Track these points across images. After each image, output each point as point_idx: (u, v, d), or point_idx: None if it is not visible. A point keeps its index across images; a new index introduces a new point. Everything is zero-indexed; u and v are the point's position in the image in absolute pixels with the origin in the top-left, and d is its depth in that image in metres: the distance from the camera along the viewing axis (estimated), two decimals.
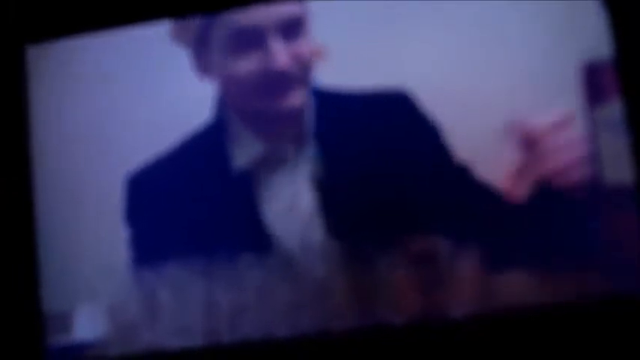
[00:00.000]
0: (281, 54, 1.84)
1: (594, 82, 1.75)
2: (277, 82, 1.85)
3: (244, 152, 1.88)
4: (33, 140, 1.99)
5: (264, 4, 1.88)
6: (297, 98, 1.85)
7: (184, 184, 1.90)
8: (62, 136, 1.99)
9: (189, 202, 1.89)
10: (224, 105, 1.91)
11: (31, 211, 1.96)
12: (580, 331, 1.69)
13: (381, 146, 1.83)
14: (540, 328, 1.71)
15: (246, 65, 1.86)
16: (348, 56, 1.85)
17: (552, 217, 1.73)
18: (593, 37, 1.77)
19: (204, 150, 1.90)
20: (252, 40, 1.86)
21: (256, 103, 1.87)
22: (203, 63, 1.92)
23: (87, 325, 1.89)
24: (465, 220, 1.76)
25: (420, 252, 1.77)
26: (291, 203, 1.84)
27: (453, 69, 1.81)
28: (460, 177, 1.77)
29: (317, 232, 1.81)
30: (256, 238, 1.84)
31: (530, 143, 1.74)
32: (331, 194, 1.83)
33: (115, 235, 1.91)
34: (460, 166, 1.78)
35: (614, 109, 1.74)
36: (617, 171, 1.72)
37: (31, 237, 1.94)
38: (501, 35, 1.81)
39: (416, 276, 1.77)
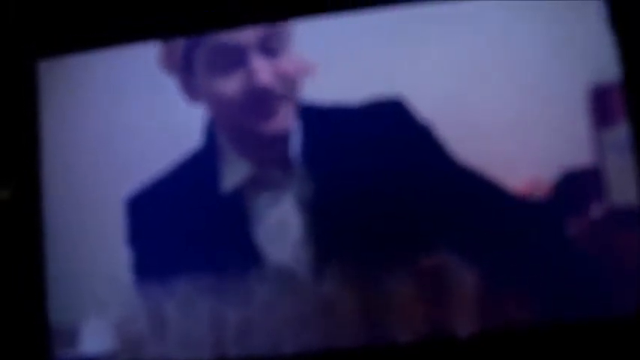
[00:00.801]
0: (263, 71, 1.84)
1: (601, 105, 1.76)
2: (261, 101, 1.85)
3: (233, 173, 1.88)
4: (43, 154, 2.00)
5: (251, 24, 1.89)
6: (283, 120, 1.85)
7: (181, 205, 1.91)
8: (72, 150, 2.00)
9: (187, 223, 1.90)
10: (214, 126, 1.91)
11: (40, 224, 1.96)
12: (586, 349, 1.69)
13: (375, 158, 1.82)
14: (546, 347, 1.72)
15: (230, 85, 1.86)
16: (338, 71, 1.85)
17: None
18: (601, 59, 1.79)
19: (198, 171, 1.91)
20: (233, 59, 1.86)
21: (243, 123, 1.87)
22: (190, 87, 1.92)
23: (94, 339, 1.89)
24: (465, 233, 1.76)
25: (425, 269, 1.77)
26: (281, 224, 1.84)
27: (457, 86, 1.81)
28: (465, 186, 1.77)
29: (308, 253, 1.82)
30: (253, 257, 1.84)
31: None
32: (321, 213, 1.83)
33: (123, 250, 1.92)
34: (465, 171, 1.76)
35: (621, 131, 1.75)
36: (623, 192, 1.73)
37: (39, 250, 1.95)
38: (507, 54, 1.82)
39: (421, 293, 1.77)
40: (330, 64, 1.86)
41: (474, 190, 1.76)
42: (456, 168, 1.76)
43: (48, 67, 2.04)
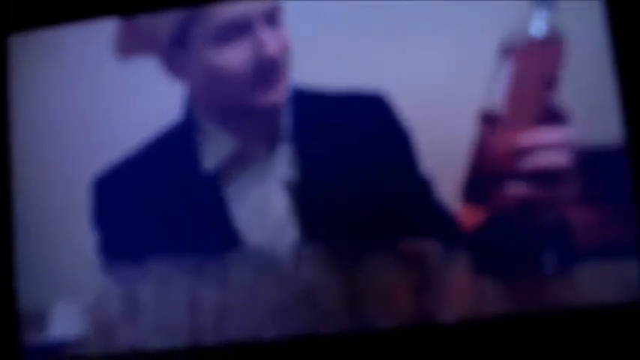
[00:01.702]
0: (271, 42, 1.82)
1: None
2: (266, 71, 1.82)
3: (215, 151, 1.85)
4: (12, 133, 1.94)
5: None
6: (280, 92, 1.83)
7: (155, 185, 1.87)
8: (42, 129, 1.93)
9: (162, 203, 1.85)
10: (194, 104, 1.87)
11: (8, 205, 1.91)
12: (572, 338, 1.67)
13: (354, 148, 1.80)
14: (531, 335, 1.69)
15: (234, 55, 1.82)
16: (321, 54, 1.83)
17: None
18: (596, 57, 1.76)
19: (174, 149, 1.87)
20: (239, 30, 1.83)
21: (237, 96, 1.83)
22: (175, 63, 1.88)
23: (64, 323, 1.84)
24: (444, 224, 1.75)
25: (409, 254, 1.74)
26: (263, 204, 1.81)
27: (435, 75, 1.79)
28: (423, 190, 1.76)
29: (290, 235, 1.78)
30: (231, 239, 1.80)
31: None
32: (306, 196, 1.80)
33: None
34: (423, 179, 1.76)
35: None
36: None
37: (7, 232, 1.89)
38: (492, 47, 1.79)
39: (406, 278, 1.74)
40: (312, 45, 1.84)
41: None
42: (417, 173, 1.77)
43: (18, 42, 1.97)
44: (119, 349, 1.81)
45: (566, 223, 1.71)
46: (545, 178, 1.71)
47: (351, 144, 1.81)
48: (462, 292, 1.72)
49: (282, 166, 1.82)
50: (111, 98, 1.91)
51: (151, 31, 1.90)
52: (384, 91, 1.80)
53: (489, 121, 1.74)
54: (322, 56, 1.83)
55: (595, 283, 1.68)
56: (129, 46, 1.92)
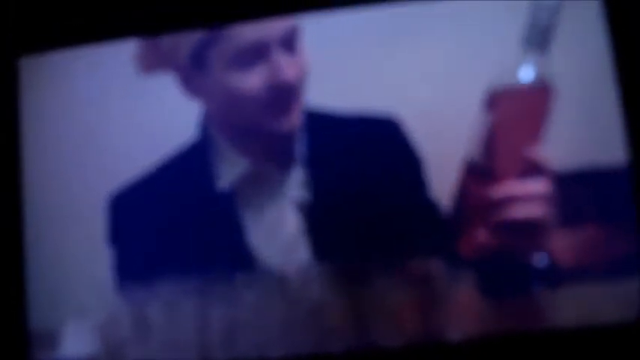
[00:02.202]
0: (288, 67, 1.82)
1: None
2: (282, 96, 1.83)
3: (229, 171, 1.86)
4: (23, 152, 1.96)
5: (259, 20, 1.87)
6: (295, 118, 1.84)
7: (170, 203, 1.88)
8: (53, 149, 1.95)
9: (176, 221, 1.87)
10: (211, 123, 1.89)
11: (19, 226, 1.92)
12: (577, 357, 1.69)
13: (366, 169, 1.82)
14: (536, 353, 1.71)
15: (251, 79, 1.83)
16: (332, 77, 1.84)
17: None
18: (594, 58, 1.78)
19: (189, 168, 1.88)
20: (256, 53, 1.83)
21: (253, 120, 1.84)
22: (193, 83, 1.88)
23: (75, 342, 1.85)
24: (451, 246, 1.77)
25: (416, 274, 1.76)
26: (276, 224, 1.82)
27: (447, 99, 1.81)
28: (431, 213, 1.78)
29: (302, 254, 1.80)
30: (244, 258, 1.82)
31: None
32: (318, 216, 1.82)
33: (105, 252, 1.88)
34: (432, 203, 1.78)
35: None
36: None
37: (18, 252, 1.90)
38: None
39: (411, 298, 1.75)
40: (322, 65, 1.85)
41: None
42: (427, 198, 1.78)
43: (29, 64, 2.00)
44: None
45: (548, 257, 1.73)
46: (521, 228, 1.72)
47: (363, 166, 1.82)
48: (468, 310, 1.74)
49: (295, 187, 1.84)
50: (120, 120, 1.93)
51: (173, 48, 1.91)
52: (398, 115, 1.81)
53: (472, 170, 1.75)
54: (336, 77, 1.85)
55: (598, 301, 1.70)
56: (150, 63, 1.92)
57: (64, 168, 1.94)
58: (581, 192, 1.74)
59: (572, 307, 1.70)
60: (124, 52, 1.95)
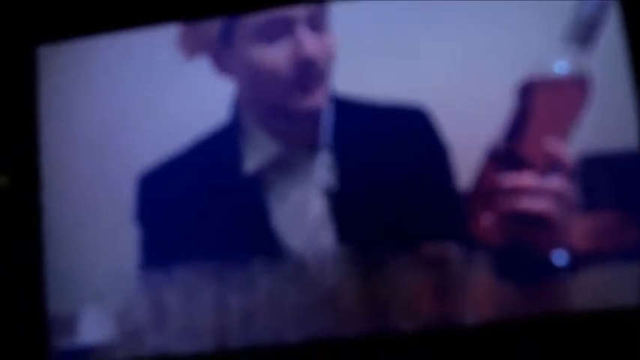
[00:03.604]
0: (310, 42, 1.83)
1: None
2: (304, 73, 1.83)
3: (256, 154, 1.87)
4: (42, 141, 1.98)
5: (287, 5, 1.88)
6: (319, 97, 1.84)
7: (196, 186, 1.89)
8: (71, 137, 1.97)
9: (200, 204, 1.88)
10: (240, 105, 1.90)
11: (39, 212, 1.94)
12: (593, 340, 1.69)
13: (393, 158, 1.82)
14: (553, 336, 1.71)
15: (274, 53, 1.84)
16: (359, 64, 1.85)
17: None
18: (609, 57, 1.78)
19: (216, 151, 1.89)
20: (280, 28, 1.84)
21: (278, 97, 1.85)
22: (223, 60, 1.89)
23: (93, 328, 1.87)
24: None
25: (432, 258, 1.76)
26: (301, 208, 1.83)
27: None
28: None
29: (326, 238, 1.80)
30: (266, 242, 1.82)
31: None
32: (342, 201, 1.82)
33: (123, 238, 1.89)
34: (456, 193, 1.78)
35: None
36: None
37: (38, 238, 1.92)
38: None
39: (428, 282, 1.76)
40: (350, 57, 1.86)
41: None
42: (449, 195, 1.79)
43: (47, 53, 2.02)
44: (146, 353, 1.84)
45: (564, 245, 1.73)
46: (523, 220, 1.71)
47: (389, 154, 1.82)
48: (484, 294, 1.74)
49: (321, 172, 1.84)
50: (138, 107, 1.95)
51: (207, 30, 1.93)
52: (426, 103, 1.82)
53: (494, 155, 1.75)
54: (363, 63, 1.85)
55: (615, 285, 1.70)
56: (192, 47, 1.93)
57: (82, 155, 1.96)
58: (597, 178, 1.74)
59: (589, 291, 1.70)
60: (142, 40, 1.97)
